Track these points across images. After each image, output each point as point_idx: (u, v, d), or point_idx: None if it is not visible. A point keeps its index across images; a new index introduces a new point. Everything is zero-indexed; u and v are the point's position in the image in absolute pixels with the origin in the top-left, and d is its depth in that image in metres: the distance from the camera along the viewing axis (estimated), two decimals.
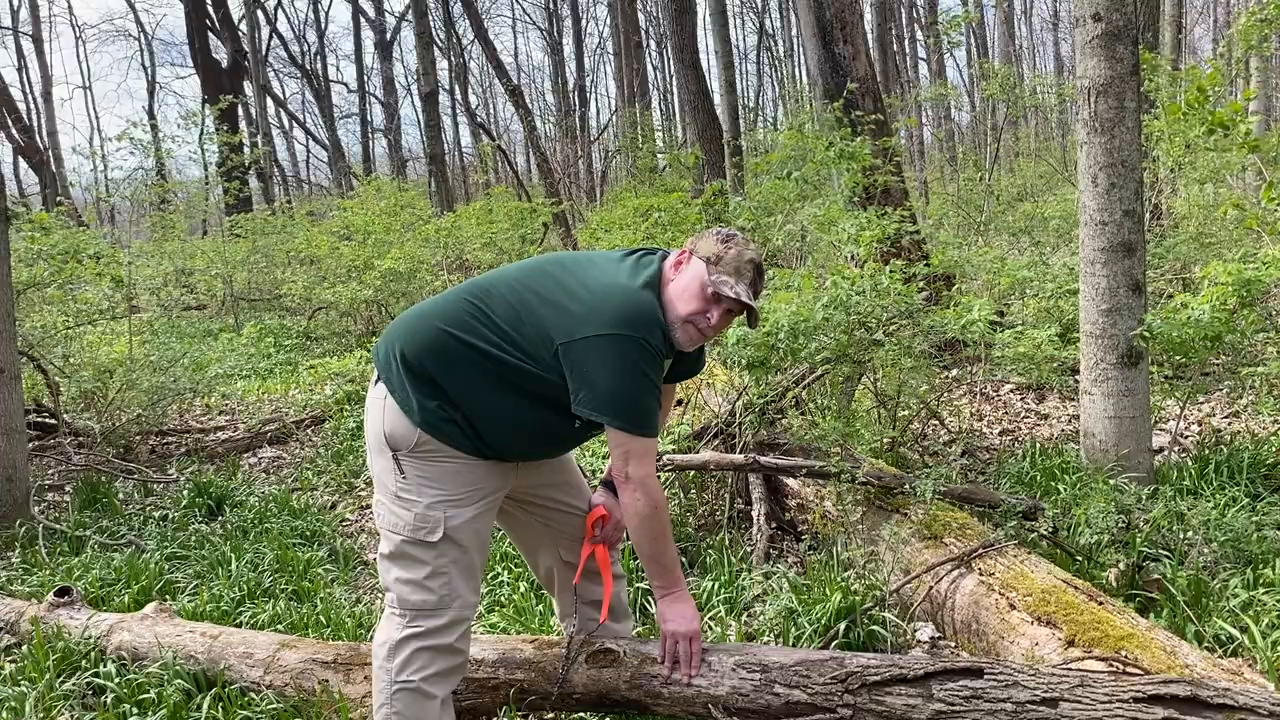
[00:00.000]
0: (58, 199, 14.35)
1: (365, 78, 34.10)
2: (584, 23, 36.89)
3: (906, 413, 4.63)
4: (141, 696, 2.79)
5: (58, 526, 4.64)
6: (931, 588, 2.99)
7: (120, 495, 5.40)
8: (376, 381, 2.27)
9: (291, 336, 11.07)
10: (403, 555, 2.20)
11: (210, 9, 23.47)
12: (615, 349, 2.07)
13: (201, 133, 13.60)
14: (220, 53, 24.10)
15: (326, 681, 2.62)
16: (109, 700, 2.82)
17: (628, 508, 2.19)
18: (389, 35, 30.93)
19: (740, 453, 3.87)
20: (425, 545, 2.17)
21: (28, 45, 28.98)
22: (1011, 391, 6.11)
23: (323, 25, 45.60)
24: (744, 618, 3.20)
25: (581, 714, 2.54)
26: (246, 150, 15.34)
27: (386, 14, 31.67)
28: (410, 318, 2.29)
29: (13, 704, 2.81)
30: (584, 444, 3.54)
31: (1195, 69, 7.53)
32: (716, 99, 13.79)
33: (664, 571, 2.27)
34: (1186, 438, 4.72)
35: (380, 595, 3.42)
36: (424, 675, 2.19)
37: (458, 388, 2.17)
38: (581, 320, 2.09)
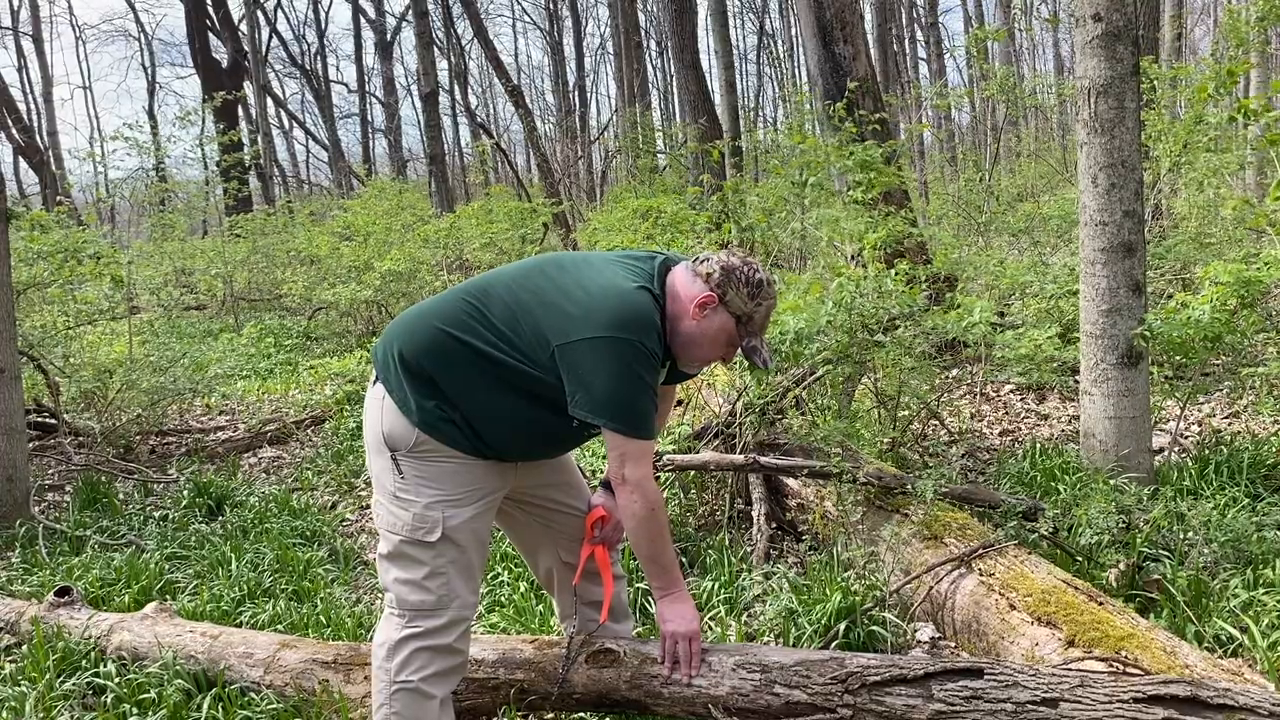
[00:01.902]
0: (58, 199, 14.34)
1: (365, 78, 34.13)
2: (584, 23, 36.97)
3: (907, 413, 4.62)
4: (141, 696, 2.79)
5: (58, 526, 4.64)
6: (932, 588, 2.98)
7: (120, 495, 5.40)
8: (375, 382, 2.27)
9: (291, 336, 11.06)
10: (401, 555, 2.20)
11: (210, 9, 23.50)
12: (611, 351, 2.06)
13: (202, 131, 13.58)
14: (220, 53, 24.14)
15: (326, 681, 2.63)
16: (109, 700, 2.82)
17: (624, 509, 2.19)
18: (389, 35, 30.94)
19: (740, 453, 3.87)
20: (423, 545, 2.17)
21: (28, 45, 29.03)
22: (1011, 392, 6.11)
23: (323, 25, 45.55)
24: (744, 618, 3.20)
25: (581, 714, 2.54)
26: (246, 148, 15.31)
27: (386, 14, 31.69)
28: (409, 318, 2.29)
29: (13, 704, 2.81)
30: (584, 444, 3.54)
31: (1188, 68, 7.53)
32: (716, 99, 13.81)
33: (662, 572, 2.27)
34: (1186, 438, 4.72)
35: (380, 595, 3.42)
36: (423, 675, 2.19)
37: (456, 388, 2.16)
38: (578, 322, 2.08)
